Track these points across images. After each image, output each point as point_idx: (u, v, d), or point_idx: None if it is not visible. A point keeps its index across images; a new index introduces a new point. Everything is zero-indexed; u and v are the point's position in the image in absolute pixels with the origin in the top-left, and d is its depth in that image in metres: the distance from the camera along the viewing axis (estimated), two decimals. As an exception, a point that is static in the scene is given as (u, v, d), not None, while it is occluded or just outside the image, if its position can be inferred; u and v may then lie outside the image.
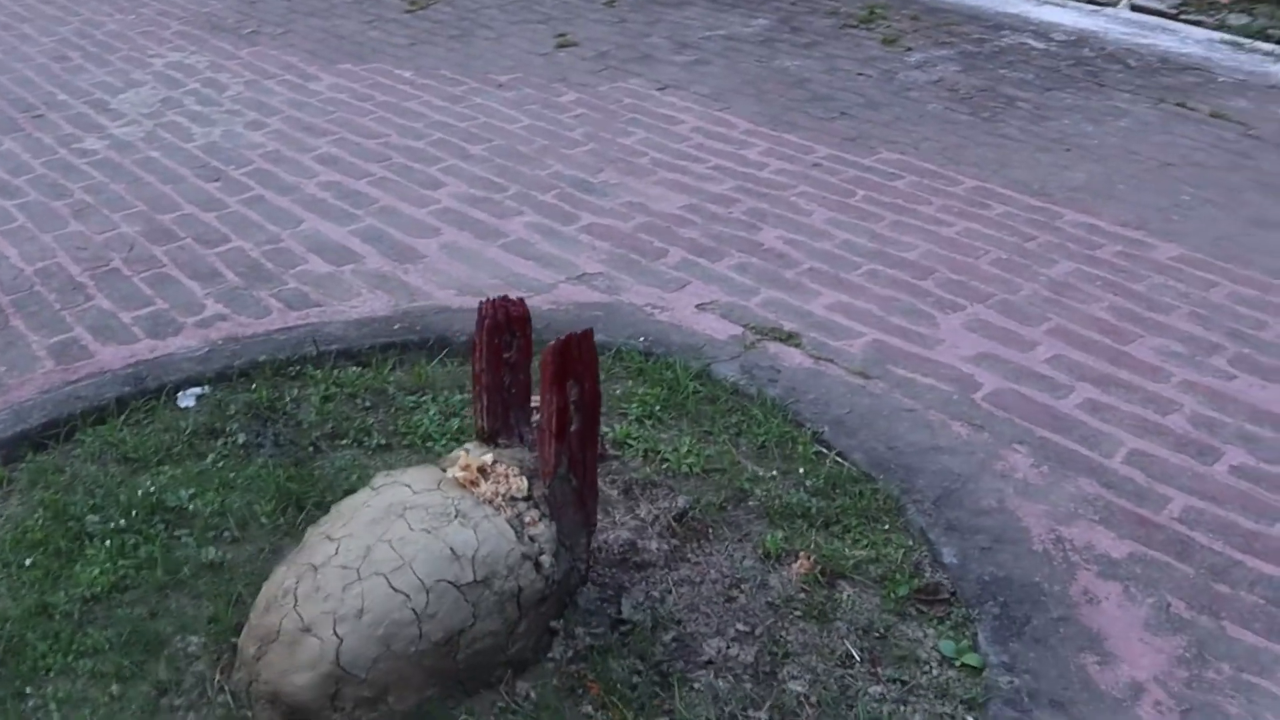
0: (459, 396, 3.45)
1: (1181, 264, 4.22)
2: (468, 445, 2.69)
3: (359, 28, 6.60)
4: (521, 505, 2.55)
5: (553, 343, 2.41)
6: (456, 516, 2.48)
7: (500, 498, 2.55)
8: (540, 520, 2.54)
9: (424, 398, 3.47)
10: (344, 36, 6.45)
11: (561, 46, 6.25)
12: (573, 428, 2.48)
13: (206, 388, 3.55)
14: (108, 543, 2.94)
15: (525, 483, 2.57)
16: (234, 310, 3.89)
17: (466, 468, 2.58)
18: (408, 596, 2.38)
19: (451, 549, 2.43)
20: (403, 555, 2.41)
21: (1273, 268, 4.21)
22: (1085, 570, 2.90)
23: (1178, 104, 5.59)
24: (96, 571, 2.85)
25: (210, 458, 3.24)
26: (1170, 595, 2.84)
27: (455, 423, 3.33)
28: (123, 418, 3.40)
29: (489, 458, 2.61)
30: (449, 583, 2.40)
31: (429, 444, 3.27)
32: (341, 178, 4.81)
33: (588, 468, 2.55)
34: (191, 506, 3.05)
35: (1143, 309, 3.95)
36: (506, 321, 2.54)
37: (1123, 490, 3.16)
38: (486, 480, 2.57)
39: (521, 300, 2.57)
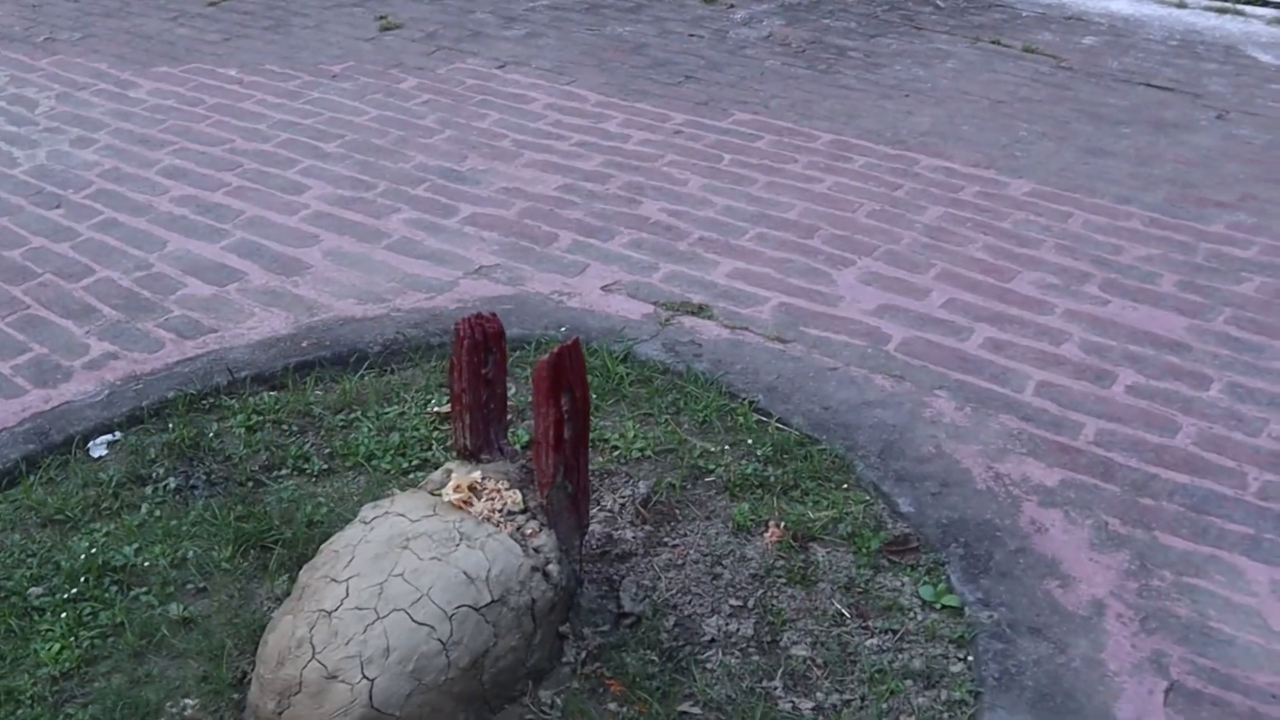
0: (391, 410, 3.41)
1: (1036, 198, 4.49)
2: (450, 465, 2.68)
3: (164, 26, 6.28)
4: (520, 518, 2.56)
5: (545, 357, 2.42)
6: (462, 540, 2.48)
7: (497, 514, 2.55)
8: (541, 530, 2.56)
9: (353, 415, 3.40)
10: (150, 37, 6.14)
11: (386, 29, 6.11)
12: (566, 435, 2.51)
13: (118, 434, 3.39)
14: (62, 614, 2.80)
15: (519, 495, 2.58)
16: (123, 347, 3.71)
17: (459, 488, 2.57)
18: (432, 628, 2.37)
19: (465, 573, 2.43)
20: (418, 587, 2.40)
21: (1115, 194, 4.53)
22: (1027, 501, 3.10)
23: (993, 41, 5.89)
24: (58, 647, 2.71)
25: (144, 508, 3.11)
26: (1105, 514, 3.07)
27: (395, 438, 3.29)
28: (34, 478, 3.22)
29: (477, 475, 2.61)
30: (469, 607, 2.41)
31: (373, 463, 3.22)
32: (196, 191, 4.62)
33: (581, 472, 2.58)
34: (142, 563, 2.93)
35: (1014, 245, 4.19)
36: (484, 339, 2.53)
37: (1040, 421, 3.38)
38: (480, 499, 2.58)
39: (495, 315, 2.57)
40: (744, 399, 3.42)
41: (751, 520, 3.01)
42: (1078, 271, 4.05)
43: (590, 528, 2.94)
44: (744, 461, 3.19)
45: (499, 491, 2.60)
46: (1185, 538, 3.01)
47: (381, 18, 6.23)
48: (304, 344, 3.69)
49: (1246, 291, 3.97)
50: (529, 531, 2.55)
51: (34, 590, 2.87)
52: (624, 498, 3.07)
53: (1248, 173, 4.72)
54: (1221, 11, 6.40)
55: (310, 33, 6.13)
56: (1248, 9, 6.46)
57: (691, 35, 6.01)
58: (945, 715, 2.54)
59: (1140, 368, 3.60)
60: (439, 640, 2.37)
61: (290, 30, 6.17)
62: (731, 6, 6.32)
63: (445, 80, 5.53)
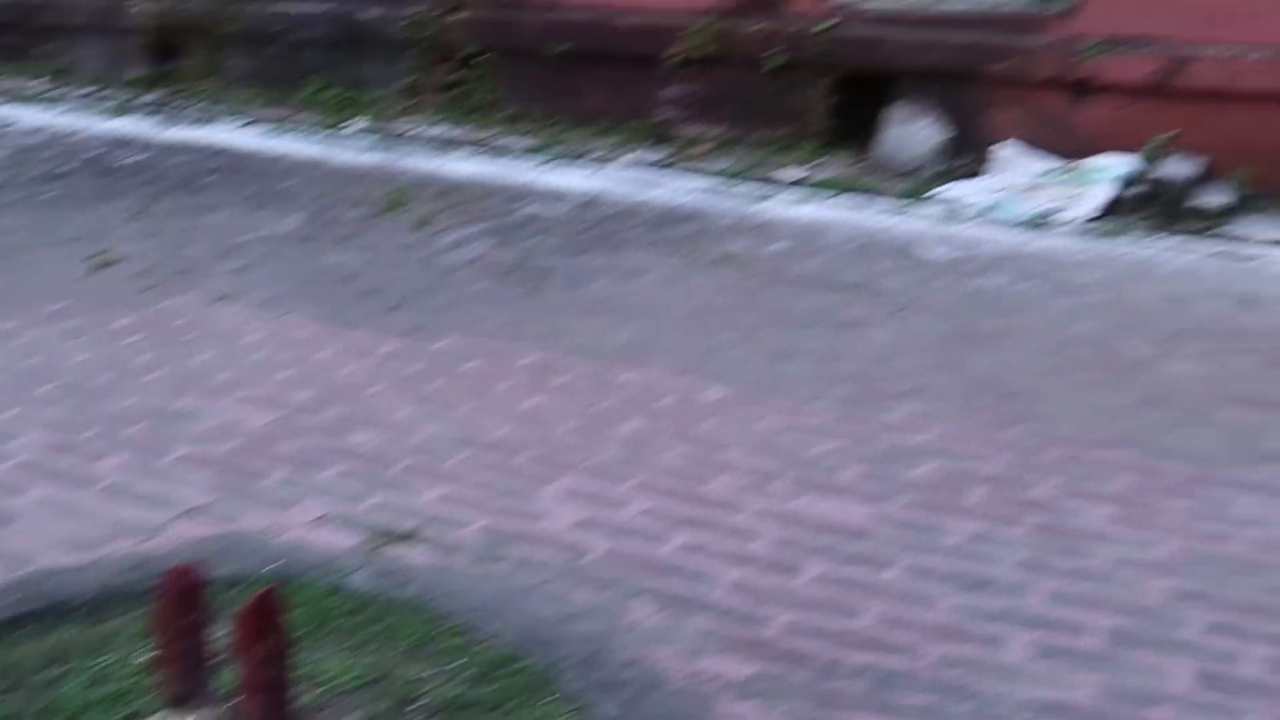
0: (102, 660, 3.38)
1: (729, 403, 4.88)
2: (160, 713, 2.71)
3: None
4: (224, 766, 2.61)
5: (243, 605, 2.53)
6: (164, 796, 2.51)
7: (202, 764, 2.60)
8: (246, 776, 2.61)
9: (64, 669, 3.36)
10: None
11: (103, 265, 6.15)
12: (270, 678, 2.60)
13: None
14: None
15: (224, 743, 2.64)
16: None
17: (162, 743, 2.61)
18: None
19: (166, 830, 2.46)
20: None
21: (801, 394, 4.96)
22: (722, 696, 3.32)
23: (688, 254, 6.40)
24: None
25: None
26: (794, 701, 3.31)
27: (108, 688, 3.27)
28: None
29: (183, 726, 2.66)
30: None
31: (86, 716, 3.19)
32: (-106, 447, 4.51)
33: (286, 712, 2.67)
34: None
35: (708, 451, 4.53)
36: (187, 589, 2.63)
37: (733, 618, 3.63)
38: (184, 750, 2.62)
39: (196, 566, 2.67)
40: (450, 622, 3.56)
41: (462, 742, 3.13)
42: (767, 470, 4.41)
43: (302, 766, 3.00)
44: (452, 684, 3.31)
45: (203, 741, 2.65)
46: (869, 714, 3.27)
47: (99, 253, 6.27)
48: (11, 599, 3.64)
49: (921, 476, 4.39)
50: (233, 779, 2.61)
51: None
52: (336, 732, 3.14)
53: (921, 364, 5.25)
54: (895, 213, 7.12)
55: (26, 270, 6.11)
56: (918, 210, 7.19)
57: (402, 263, 6.28)
58: None
59: (826, 557, 3.93)
60: None
61: (5, 269, 6.14)
62: (442, 231, 6.66)
63: (160, 318, 5.60)
